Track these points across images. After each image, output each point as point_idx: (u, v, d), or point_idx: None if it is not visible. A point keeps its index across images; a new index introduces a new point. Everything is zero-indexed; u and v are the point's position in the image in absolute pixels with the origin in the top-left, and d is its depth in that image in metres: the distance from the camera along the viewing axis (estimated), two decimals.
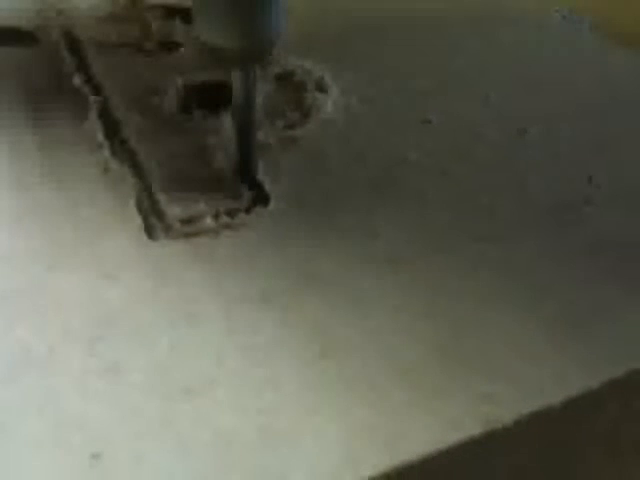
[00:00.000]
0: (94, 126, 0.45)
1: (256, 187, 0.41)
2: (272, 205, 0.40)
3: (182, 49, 0.54)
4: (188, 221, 0.38)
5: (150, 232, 0.38)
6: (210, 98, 0.48)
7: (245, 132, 0.41)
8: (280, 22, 0.37)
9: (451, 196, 0.41)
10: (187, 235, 0.38)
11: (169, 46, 0.55)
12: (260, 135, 0.45)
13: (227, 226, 0.38)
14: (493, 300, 0.34)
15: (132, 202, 0.39)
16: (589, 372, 0.30)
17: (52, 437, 0.27)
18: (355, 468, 0.26)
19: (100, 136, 0.44)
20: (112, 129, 0.45)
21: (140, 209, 0.39)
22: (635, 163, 0.44)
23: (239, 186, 0.41)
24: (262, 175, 0.42)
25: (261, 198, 0.40)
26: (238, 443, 0.27)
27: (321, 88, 0.51)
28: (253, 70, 0.38)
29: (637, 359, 0.31)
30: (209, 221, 0.38)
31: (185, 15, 0.58)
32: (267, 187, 0.41)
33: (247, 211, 0.39)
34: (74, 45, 0.55)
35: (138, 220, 0.38)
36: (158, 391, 0.29)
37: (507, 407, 0.29)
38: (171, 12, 0.58)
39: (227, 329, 0.32)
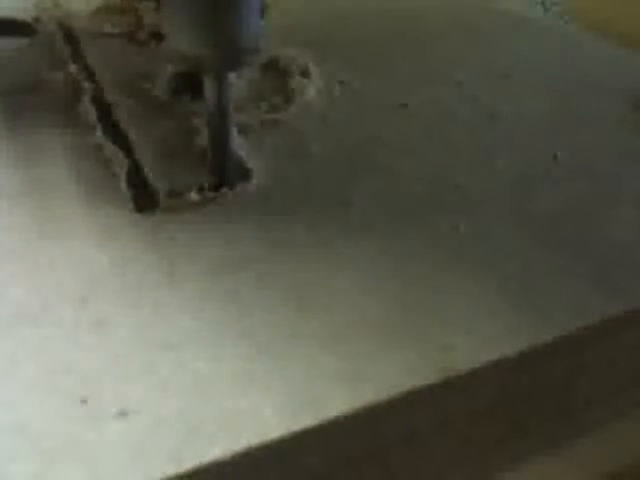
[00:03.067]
0: (87, 109, 0.48)
1: (232, 189, 0.41)
2: (254, 180, 0.42)
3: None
4: (174, 195, 0.41)
5: (139, 205, 0.40)
6: (198, 83, 0.51)
7: (220, 139, 0.40)
8: (255, 30, 0.37)
9: (423, 172, 0.44)
10: (173, 208, 0.40)
11: (160, 36, 0.57)
12: (244, 117, 0.48)
13: (211, 200, 0.41)
14: (456, 263, 0.36)
15: (122, 178, 0.42)
16: (542, 326, 0.33)
17: (44, 382, 0.29)
18: (319, 408, 0.28)
19: (93, 118, 0.47)
20: (104, 112, 0.48)
21: (130, 185, 0.42)
22: (597, 143, 0.47)
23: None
24: (246, 153, 0.44)
25: (243, 174, 0.43)
26: (214, 386, 0.29)
27: (304, 74, 0.53)
28: (226, 77, 0.38)
29: (588, 315, 0.34)
30: (194, 195, 0.41)
31: None
32: (250, 164, 0.43)
33: (230, 186, 0.42)
34: (70, 35, 0.57)
35: (128, 195, 0.41)
36: (142, 342, 0.31)
37: (463, 356, 0.31)
38: None
39: (207, 289, 0.34)
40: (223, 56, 0.37)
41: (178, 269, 0.35)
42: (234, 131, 0.41)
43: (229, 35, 0.36)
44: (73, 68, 0.53)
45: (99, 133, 0.46)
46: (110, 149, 0.44)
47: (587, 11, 0.73)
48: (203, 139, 0.45)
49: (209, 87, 0.38)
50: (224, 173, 0.41)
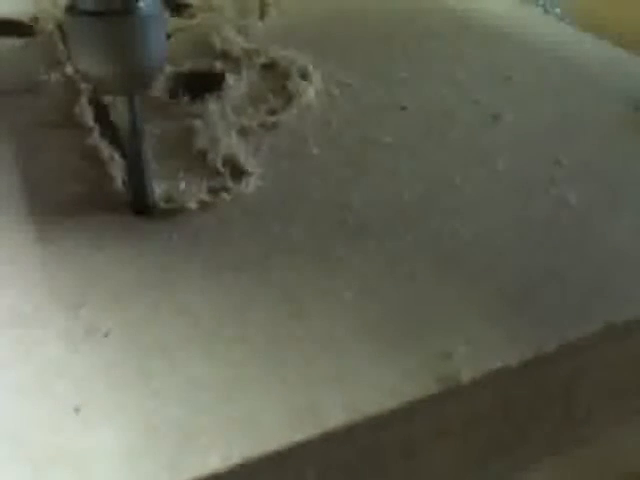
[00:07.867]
0: (84, 110, 0.47)
1: (151, 213, 0.40)
2: (252, 184, 0.42)
3: (171, 39, 0.57)
4: (171, 198, 0.40)
5: (135, 208, 0.40)
6: (196, 85, 0.50)
7: (135, 159, 0.39)
8: (159, 51, 0.36)
9: (422, 174, 0.43)
10: (170, 211, 0.40)
11: None
12: (244, 120, 0.48)
13: (208, 203, 0.40)
14: (456, 267, 0.36)
15: (119, 180, 0.41)
16: (543, 334, 0.32)
17: (36, 387, 0.29)
18: (317, 416, 0.28)
19: (90, 119, 0.46)
20: (101, 113, 0.47)
21: (126, 187, 0.41)
22: (599, 145, 0.46)
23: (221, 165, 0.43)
24: (244, 156, 0.44)
25: (240, 176, 0.42)
26: (209, 391, 0.29)
27: (304, 76, 0.53)
28: (138, 98, 0.38)
29: (590, 323, 0.33)
30: (191, 198, 0.40)
31: (174, 8, 0.61)
32: (249, 166, 0.43)
33: (227, 190, 0.41)
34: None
35: (124, 197, 0.40)
36: (136, 347, 0.31)
37: (463, 365, 0.30)
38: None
39: (202, 293, 0.34)
40: (127, 78, 0.36)
41: (175, 272, 0.35)
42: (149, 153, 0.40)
43: (133, 56, 0.35)
44: (71, 69, 0.52)
45: (96, 134, 0.45)
46: (107, 150, 0.44)
47: (588, 13, 0.72)
48: (202, 141, 0.45)
49: (121, 108, 0.38)
50: (144, 192, 0.40)
